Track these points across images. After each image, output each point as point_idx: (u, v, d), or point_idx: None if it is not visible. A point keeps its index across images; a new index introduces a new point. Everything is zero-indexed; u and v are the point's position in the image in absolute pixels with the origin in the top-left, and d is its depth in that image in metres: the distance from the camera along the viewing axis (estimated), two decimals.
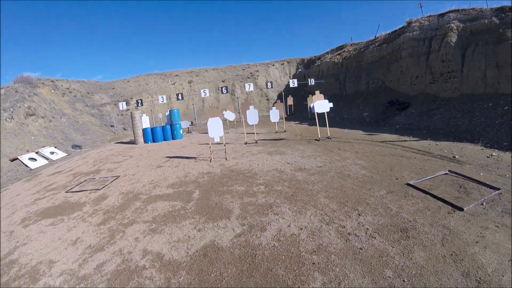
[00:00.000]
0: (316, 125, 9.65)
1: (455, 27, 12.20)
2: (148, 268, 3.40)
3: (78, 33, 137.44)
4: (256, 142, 9.58)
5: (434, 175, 5.78)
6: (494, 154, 7.30)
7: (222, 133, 8.39)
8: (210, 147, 8.78)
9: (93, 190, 6.87)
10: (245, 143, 9.61)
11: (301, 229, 3.95)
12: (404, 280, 2.90)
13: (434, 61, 12.75)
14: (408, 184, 5.36)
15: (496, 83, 10.21)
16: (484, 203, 4.52)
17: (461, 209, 4.30)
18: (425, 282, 2.88)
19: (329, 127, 9.71)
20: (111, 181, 7.48)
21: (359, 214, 4.29)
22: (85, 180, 7.95)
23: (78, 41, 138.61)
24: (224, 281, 3.01)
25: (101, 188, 6.91)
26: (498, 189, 4.97)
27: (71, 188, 7.26)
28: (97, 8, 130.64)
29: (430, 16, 14.28)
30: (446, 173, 5.92)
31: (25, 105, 15.67)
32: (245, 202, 4.95)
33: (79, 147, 15.36)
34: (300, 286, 2.89)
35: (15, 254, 4.10)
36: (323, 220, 4.17)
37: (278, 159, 7.32)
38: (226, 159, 8.28)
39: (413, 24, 14.69)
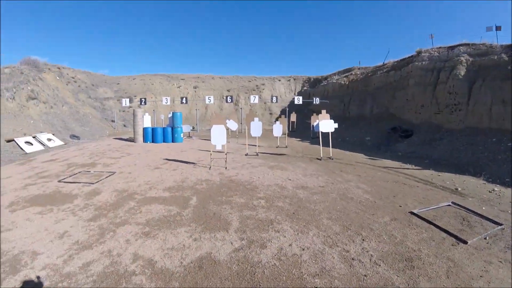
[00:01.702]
0: (318, 144, 9.60)
1: (464, 61, 12.36)
2: (138, 274, 3.18)
3: (88, 24, 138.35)
4: (257, 155, 9.45)
5: (437, 206, 5.69)
6: (496, 189, 7.21)
7: (225, 141, 8.24)
8: (211, 154, 8.61)
9: (86, 183, 6.66)
10: (246, 155, 9.48)
11: (303, 249, 3.76)
12: None
13: (440, 92, 12.84)
14: (412, 213, 5.26)
15: (501, 119, 10.25)
16: (487, 238, 4.43)
17: (465, 242, 4.19)
18: None
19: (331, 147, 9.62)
20: (106, 177, 7.28)
21: (363, 239, 4.13)
22: (79, 172, 7.74)
23: (87, 32, 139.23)
24: None
25: (95, 183, 6.71)
26: (500, 224, 4.91)
27: (64, 178, 7.05)
28: (108, 4, 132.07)
29: (440, 47, 14.46)
30: (449, 205, 5.84)
31: (29, 88, 15.53)
32: (244, 215, 4.74)
33: (77, 137, 15.15)
34: None
35: None
36: (326, 242, 3.99)
37: (279, 174, 7.16)
38: (226, 168, 8.12)
39: (422, 54, 14.87)
